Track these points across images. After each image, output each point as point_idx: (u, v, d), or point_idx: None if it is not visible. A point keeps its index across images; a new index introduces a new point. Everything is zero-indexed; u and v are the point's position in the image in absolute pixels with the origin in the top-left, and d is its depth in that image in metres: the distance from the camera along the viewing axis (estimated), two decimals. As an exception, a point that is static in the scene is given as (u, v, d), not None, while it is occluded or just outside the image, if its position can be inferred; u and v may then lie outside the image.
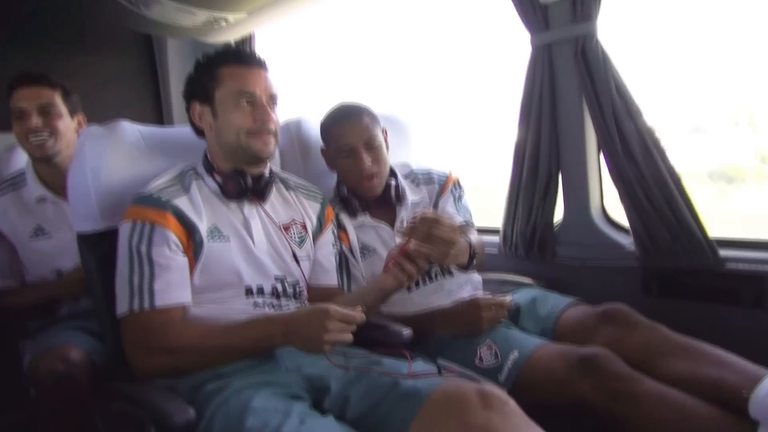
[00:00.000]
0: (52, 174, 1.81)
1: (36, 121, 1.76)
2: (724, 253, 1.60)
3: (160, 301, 1.19)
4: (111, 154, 1.36)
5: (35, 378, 1.53)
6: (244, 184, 1.32)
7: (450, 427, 0.96)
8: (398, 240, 1.48)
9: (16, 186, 1.83)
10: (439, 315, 1.55)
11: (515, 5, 1.79)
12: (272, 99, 1.33)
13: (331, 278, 1.48)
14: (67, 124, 1.83)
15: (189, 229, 1.25)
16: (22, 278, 1.83)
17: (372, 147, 1.58)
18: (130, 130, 1.42)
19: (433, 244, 1.35)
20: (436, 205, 1.74)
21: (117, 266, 1.24)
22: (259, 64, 1.33)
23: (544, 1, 1.72)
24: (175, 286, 1.21)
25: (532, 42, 1.80)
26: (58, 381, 1.49)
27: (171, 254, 1.21)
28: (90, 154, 1.34)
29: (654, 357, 1.35)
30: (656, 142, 1.63)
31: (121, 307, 1.20)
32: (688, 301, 1.67)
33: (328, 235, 1.50)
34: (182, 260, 1.23)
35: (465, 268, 1.54)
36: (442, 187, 1.76)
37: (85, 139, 1.36)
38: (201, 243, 1.25)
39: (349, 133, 1.58)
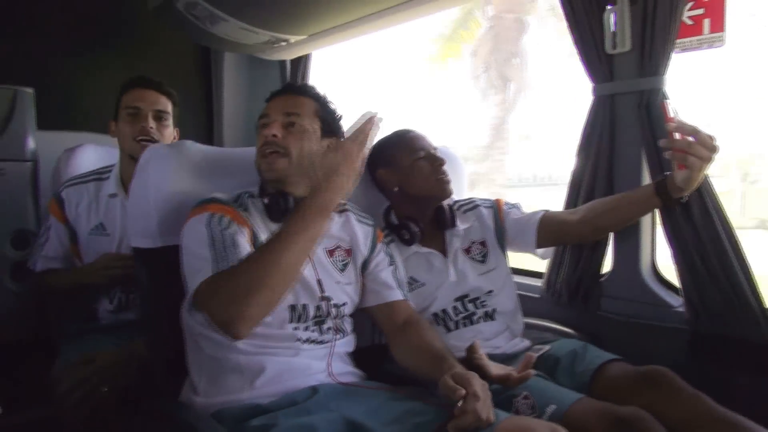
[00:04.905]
0: None
1: (151, 123, 1.82)
2: (780, 325, 1.54)
3: None
4: (174, 173, 1.39)
5: (57, 390, 1.53)
6: (284, 206, 1.34)
7: None
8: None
9: (100, 178, 1.87)
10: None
11: (580, 54, 1.77)
12: None
13: (395, 294, 1.49)
14: (171, 133, 1.90)
15: (253, 237, 1.29)
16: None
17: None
18: (195, 149, 1.45)
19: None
20: (501, 230, 1.78)
21: (189, 248, 1.25)
22: None
23: (611, 52, 1.71)
24: None
25: (595, 91, 1.78)
26: (79, 399, 1.50)
27: (245, 241, 1.26)
28: (153, 171, 1.37)
29: (695, 429, 1.29)
30: (715, 203, 1.59)
31: (203, 273, 1.18)
32: (736, 371, 1.59)
33: (381, 255, 1.53)
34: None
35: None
36: (497, 211, 1.80)
37: (149, 156, 1.38)
38: None
39: (422, 140, 1.71)
